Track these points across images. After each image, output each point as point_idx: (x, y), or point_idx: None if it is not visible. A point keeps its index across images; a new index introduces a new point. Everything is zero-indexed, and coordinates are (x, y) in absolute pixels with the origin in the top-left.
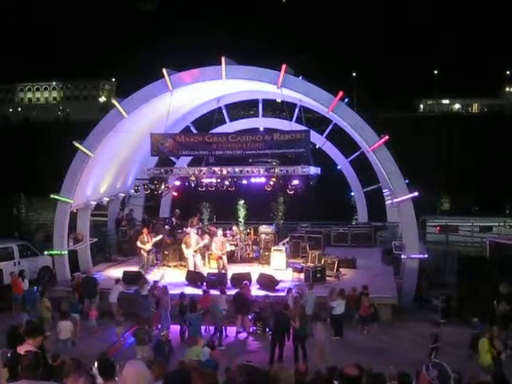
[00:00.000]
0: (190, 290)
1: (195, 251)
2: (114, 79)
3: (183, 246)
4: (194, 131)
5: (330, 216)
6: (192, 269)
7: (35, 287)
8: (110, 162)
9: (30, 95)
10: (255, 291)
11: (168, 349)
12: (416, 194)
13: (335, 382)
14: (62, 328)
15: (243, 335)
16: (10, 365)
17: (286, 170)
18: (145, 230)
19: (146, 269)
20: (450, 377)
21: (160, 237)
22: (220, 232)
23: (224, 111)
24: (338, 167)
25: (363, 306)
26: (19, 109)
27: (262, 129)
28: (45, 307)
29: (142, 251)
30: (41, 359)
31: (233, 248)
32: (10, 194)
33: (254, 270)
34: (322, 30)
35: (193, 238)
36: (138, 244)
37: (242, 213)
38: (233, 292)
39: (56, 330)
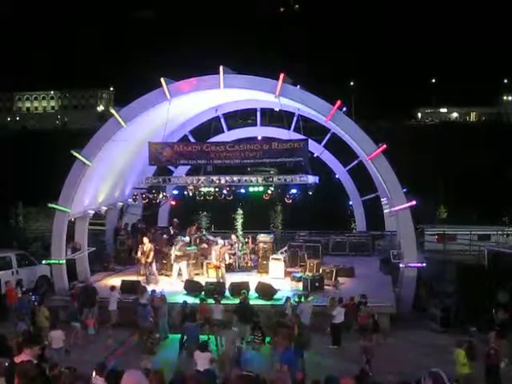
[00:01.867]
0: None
1: (179, 257)
2: (112, 88)
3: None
4: (192, 140)
5: (329, 225)
6: (175, 277)
7: (33, 296)
8: (108, 171)
9: (28, 104)
10: (254, 300)
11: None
12: (414, 202)
13: None
14: (53, 337)
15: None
16: (6, 374)
17: (285, 179)
18: (145, 240)
19: (148, 280)
20: None
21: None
22: (220, 241)
23: (222, 120)
24: (336, 176)
25: (360, 316)
26: (17, 118)
27: (260, 138)
28: (44, 316)
29: (141, 261)
30: (37, 369)
31: (231, 261)
32: (8, 204)
33: (253, 279)
34: (321, 39)
35: (179, 245)
36: (139, 254)
37: (240, 222)
38: (231, 301)
39: (48, 339)
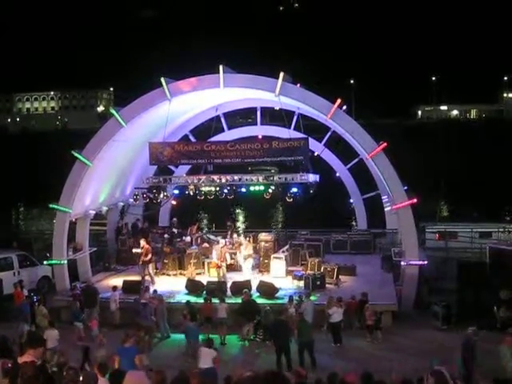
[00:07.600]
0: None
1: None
2: (112, 88)
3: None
4: (193, 140)
5: (330, 223)
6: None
7: (34, 297)
8: (108, 172)
9: (28, 105)
10: (255, 299)
11: None
12: (415, 200)
13: None
14: (48, 337)
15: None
16: (11, 375)
17: (285, 178)
18: (142, 241)
19: (153, 280)
20: None
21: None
22: (222, 241)
23: (222, 119)
24: (337, 174)
25: (368, 314)
26: (17, 119)
27: (260, 137)
28: (41, 315)
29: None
30: (40, 369)
31: (232, 262)
32: (9, 204)
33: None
34: (321, 38)
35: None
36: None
37: (241, 221)
38: (233, 300)
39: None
